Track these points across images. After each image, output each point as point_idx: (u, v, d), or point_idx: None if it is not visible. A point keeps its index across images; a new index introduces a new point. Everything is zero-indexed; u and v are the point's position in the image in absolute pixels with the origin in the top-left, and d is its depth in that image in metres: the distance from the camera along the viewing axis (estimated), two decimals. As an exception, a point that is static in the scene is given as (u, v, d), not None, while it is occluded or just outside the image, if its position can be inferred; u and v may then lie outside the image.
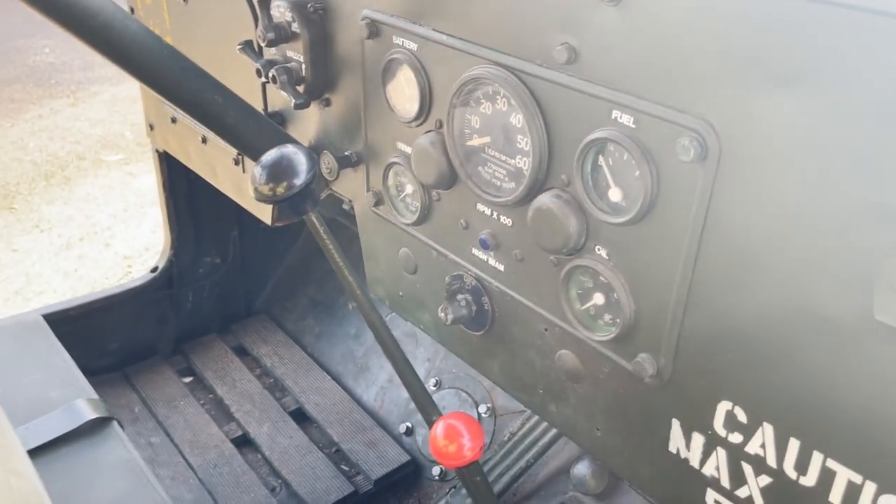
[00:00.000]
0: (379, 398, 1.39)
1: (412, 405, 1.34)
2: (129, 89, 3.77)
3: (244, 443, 1.31)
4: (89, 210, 2.90)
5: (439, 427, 0.71)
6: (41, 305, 1.37)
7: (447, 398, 1.31)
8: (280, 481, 1.25)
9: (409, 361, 0.78)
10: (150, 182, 3.07)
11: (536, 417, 1.12)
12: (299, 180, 0.63)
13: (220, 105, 0.80)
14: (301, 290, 1.57)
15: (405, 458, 1.26)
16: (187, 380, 1.43)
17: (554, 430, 1.08)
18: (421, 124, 0.74)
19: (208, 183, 1.37)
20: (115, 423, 1.01)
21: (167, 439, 1.27)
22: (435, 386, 1.33)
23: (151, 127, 1.28)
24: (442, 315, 0.76)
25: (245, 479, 1.22)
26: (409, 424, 1.33)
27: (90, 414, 1.00)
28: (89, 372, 1.10)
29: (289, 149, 0.64)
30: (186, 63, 0.80)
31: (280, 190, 0.63)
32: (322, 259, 1.56)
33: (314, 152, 0.79)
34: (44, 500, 0.67)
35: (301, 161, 0.63)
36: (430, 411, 0.78)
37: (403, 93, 0.74)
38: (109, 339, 1.38)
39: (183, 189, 1.37)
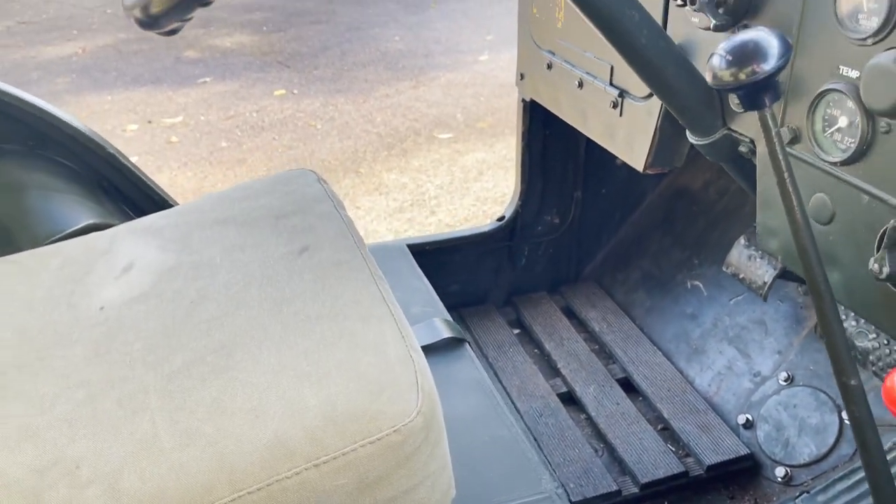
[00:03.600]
0: (714, 384, 1.28)
1: (754, 396, 1.21)
2: (462, 76, 4.04)
3: (569, 400, 1.29)
4: (420, 180, 3.16)
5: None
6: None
7: (800, 396, 1.16)
8: (604, 445, 1.21)
9: (840, 318, 0.66)
10: (473, 160, 3.26)
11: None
12: (768, 65, 0.56)
13: (635, 22, 0.77)
14: (634, 262, 1.52)
15: (744, 450, 1.15)
16: (516, 331, 1.46)
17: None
18: (881, 40, 0.64)
19: (561, 140, 1.38)
20: (466, 345, 1.04)
21: (496, 380, 1.31)
22: (786, 381, 1.19)
23: (522, 76, 1.31)
24: (875, 267, 0.65)
25: (570, 435, 1.20)
26: (750, 417, 1.20)
27: (446, 332, 1.04)
28: None
29: (760, 32, 0.59)
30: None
31: (742, 76, 0.58)
32: (660, 233, 1.49)
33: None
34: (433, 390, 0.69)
35: (773, 45, 0.57)
36: (848, 373, 0.67)
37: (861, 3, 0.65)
38: (453, 279, 1.45)
39: (539, 143, 1.40)
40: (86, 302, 0.84)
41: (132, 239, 0.95)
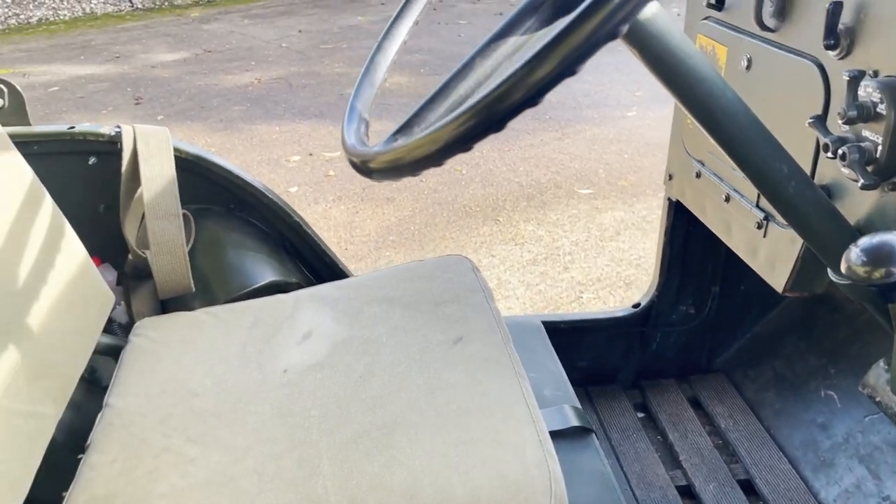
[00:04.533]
0: (840, 501, 1.27)
1: (881, 522, 1.20)
2: (608, 131, 4.09)
3: (688, 494, 1.33)
4: (556, 234, 3.24)
5: None
6: (537, 313, 1.59)
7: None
8: (718, 546, 1.24)
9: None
10: (612, 218, 3.29)
11: None
12: (900, 272, 0.62)
13: (783, 174, 0.83)
14: (767, 360, 1.53)
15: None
16: (641, 415, 1.50)
17: None
18: None
19: (704, 239, 1.42)
20: (593, 436, 1.11)
21: (617, 465, 1.36)
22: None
23: (670, 177, 1.37)
24: None
25: (685, 530, 1.24)
26: (875, 542, 1.19)
27: (575, 421, 1.12)
28: None
29: (892, 236, 0.64)
30: (762, 130, 0.85)
31: (877, 275, 0.63)
32: (796, 336, 1.50)
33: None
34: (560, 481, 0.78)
35: None
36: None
37: None
38: (582, 356, 1.53)
39: (680, 239, 1.45)
40: (272, 363, 0.99)
41: (312, 307, 1.10)
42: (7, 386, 0.83)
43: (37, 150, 1.07)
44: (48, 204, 1.04)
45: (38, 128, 1.19)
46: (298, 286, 1.31)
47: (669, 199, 1.41)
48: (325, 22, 6.34)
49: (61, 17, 6.46)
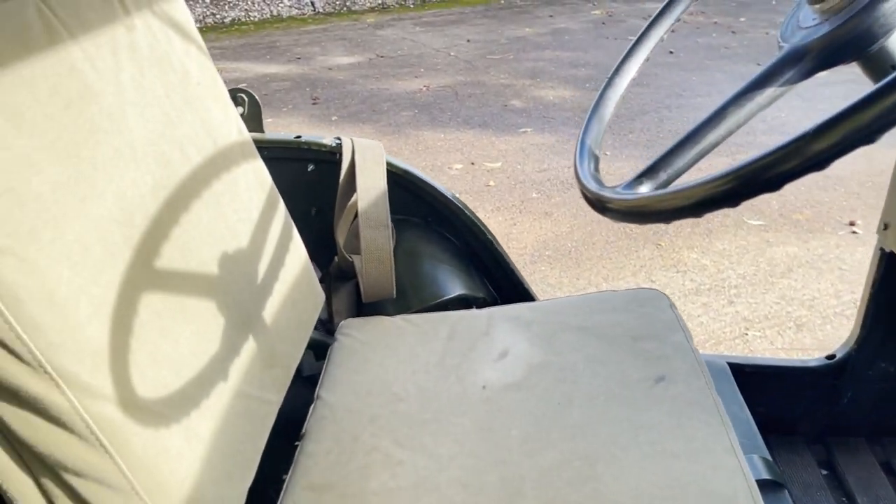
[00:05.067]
0: None
1: None
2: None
3: (876, 566, 1.24)
4: (722, 265, 3.12)
5: None
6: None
7: None
8: None
9: None
10: (783, 253, 3.12)
11: None
12: None
13: None
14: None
15: None
16: (824, 472, 1.42)
17: None
18: None
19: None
20: (786, 492, 1.07)
21: (800, 522, 1.30)
22: None
23: (886, 226, 1.29)
24: None
25: None
26: None
27: (765, 474, 1.08)
28: None
29: None
30: None
31: None
32: None
33: None
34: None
35: None
36: None
37: None
38: (763, 402, 1.46)
39: (888, 294, 1.36)
40: (471, 378, 1.04)
41: (506, 326, 1.13)
42: (245, 372, 0.92)
43: (266, 155, 1.17)
44: (281, 206, 1.14)
45: (269, 135, 1.31)
46: (484, 302, 1.35)
47: (882, 249, 1.33)
48: (492, 32, 6.44)
49: (251, 19, 6.99)
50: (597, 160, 0.85)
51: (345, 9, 7.22)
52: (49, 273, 0.65)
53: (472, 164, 3.97)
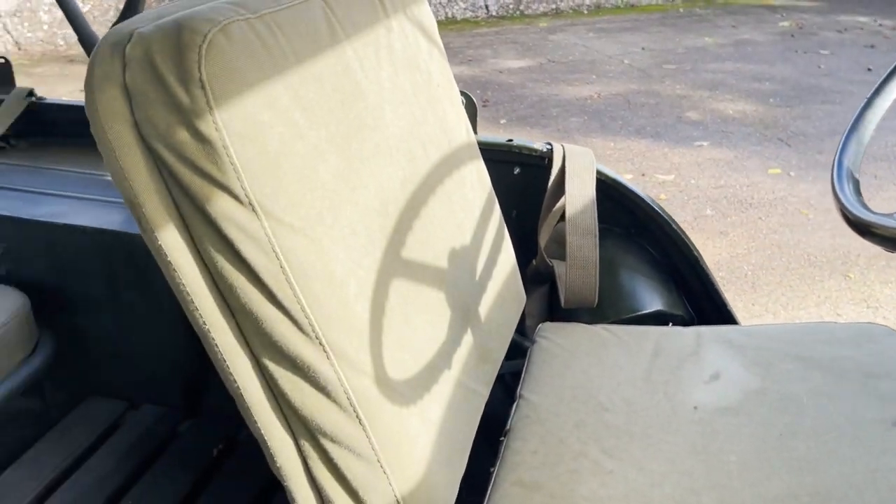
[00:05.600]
0: None
1: None
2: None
3: None
4: (914, 305, 2.86)
5: None
6: None
7: None
8: None
9: None
10: None
11: None
12: None
13: None
14: None
15: None
16: None
17: None
18: None
19: None
20: None
21: None
22: None
23: None
24: None
25: None
26: None
27: None
28: None
29: None
30: None
31: None
32: None
33: None
34: None
35: None
36: None
37: None
38: None
39: None
40: (680, 396, 1.02)
41: (716, 348, 1.10)
42: (464, 364, 0.95)
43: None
44: (497, 207, 1.17)
45: (482, 137, 1.35)
46: (682, 320, 1.32)
47: None
48: (669, 41, 6.25)
49: (427, 20, 7.21)
50: (856, 182, 0.81)
51: (518, 13, 7.27)
52: (329, 253, 0.71)
53: (643, 175, 3.87)
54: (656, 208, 1.36)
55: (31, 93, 1.59)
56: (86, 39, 1.51)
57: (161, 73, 0.63)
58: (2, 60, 1.61)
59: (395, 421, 0.76)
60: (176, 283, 0.69)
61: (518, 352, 1.27)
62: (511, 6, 7.27)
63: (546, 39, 6.56)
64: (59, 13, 6.01)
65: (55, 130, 1.62)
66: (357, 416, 0.72)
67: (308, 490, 0.76)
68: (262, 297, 0.68)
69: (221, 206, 0.65)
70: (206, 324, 0.70)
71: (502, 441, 1.00)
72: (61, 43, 6.24)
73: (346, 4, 0.87)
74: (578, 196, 1.25)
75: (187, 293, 0.69)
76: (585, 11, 7.42)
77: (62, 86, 5.47)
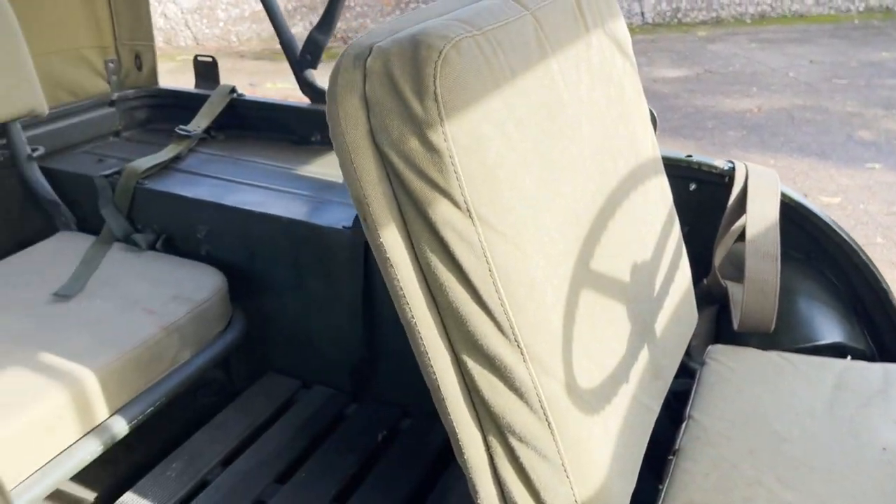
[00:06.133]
0: None
1: None
2: None
3: None
4: None
5: None
6: None
7: None
8: None
9: None
10: None
11: None
12: None
13: None
14: None
15: None
16: None
17: None
18: None
19: None
20: None
21: None
22: None
23: None
24: None
25: None
26: None
27: None
28: None
29: None
30: None
31: None
32: None
33: None
34: None
35: None
36: None
37: None
38: None
39: None
40: (866, 436, 0.97)
41: (907, 387, 1.04)
42: (640, 379, 0.96)
43: (654, 171, 1.19)
44: (677, 223, 1.16)
45: (662, 151, 1.34)
46: (862, 355, 1.25)
47: None
48: (841, 54, 5.85)
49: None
50: None
51: (675, 20, 7.06)
52: (531, 261, 0.74)
53: (806, 195, 3.66)
54: (844, 235, 1.29)
55: (233, 90, 1.74)
56: (285, 40, 1.64)
57: (398, 86, 0.69)
58: (210, 59, 1.78)
59: (580, 427, 0.78)
60: (391, 277, 0.75)
61: (683, 372, 1.25)
62: (668, 14, 7.07)
63: (704, 49, 6.32)
64: (235, 11, 6.50)
65: (250, 125, 1.76)
66: (546, 419, 0.75)
67: (491, 485, 0.80)
68: (468, 298, 0.72)
69: (441, 211, 0.70)
70: (413, 318, 0.75)
71: (670, 460, 0.99)
72: (234, 39, 6.73)
73: (553, 21, 0.90)
74: (760, 217, 1.22)
75: (400, 287, 0.74)
76: (748, 21, 7.09)
77: (234, 79, 5.92)
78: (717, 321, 1.37)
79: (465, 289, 0.72)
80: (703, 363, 1.17)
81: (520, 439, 0.76)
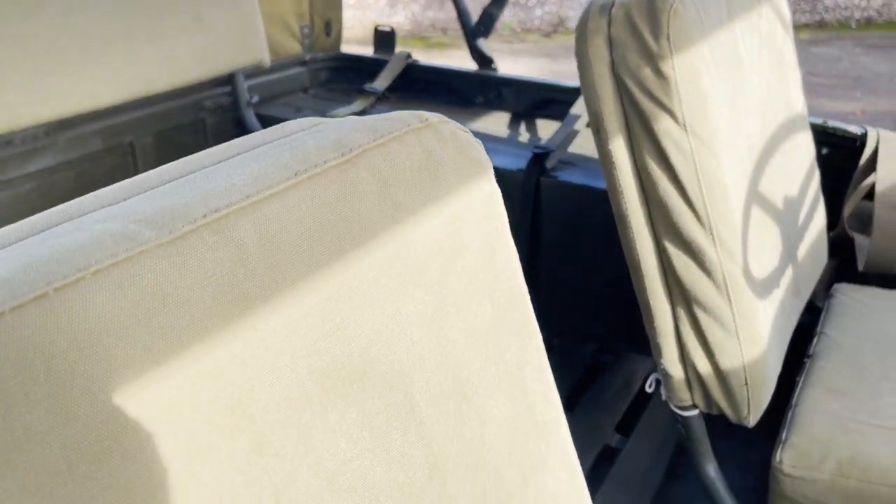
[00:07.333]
0: None
1: None
2: None
3: None
4: None
5: None
6: None
7: None
8: None
9: None
10: None
11: None
12: None
13: None
14: None
15: None
16: None
17: None
18: None
19: None
20: None
21: None
22: None
23: None
24: None
25: None
26: None
27: None
28: None
29: None
30: None
31: None
32: None
33: None
34: None
35: None
36: None
37: None
38: None
39: None
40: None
41: None
42: (786, 290, 1.17)
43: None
44: (817, 173, 1.36)
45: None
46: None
47: None
48: (951, 62, 5.78)
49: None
50: None
51: (836, 23, 7.06)
52: (725, 168, 0.97)
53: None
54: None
55: (409, 55, 2.02)
56: (461, 10, 1.90)
57: (638, 28, 0.93)
58: (388, 29, 2.06)
59: (751, 305, 1.01)
60: (612, 177, 0.99)
61: (807, 310, 1.45)
62: (770, 16, 7.07)
63: (805, 51, 6.32)
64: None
65: (420, 87, 2.03)
66: (727, 294, 0.98)
67: (674, 348, 1.03)
68: (676, 193, 0.95)
69: (664, 125, 0.93)
70: (626, 209, 0.99)
71: (805, 362, 1.20)
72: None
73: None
74: (890, 174, 1.40)
75: (618, 183, 0.98)
76: (853, 25, 7.03)
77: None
78: (838, 271, 1.55)
79: (674, 186, 0.95)
80: (830, 296, 1.37)
81: (704, 309, 0.99)
